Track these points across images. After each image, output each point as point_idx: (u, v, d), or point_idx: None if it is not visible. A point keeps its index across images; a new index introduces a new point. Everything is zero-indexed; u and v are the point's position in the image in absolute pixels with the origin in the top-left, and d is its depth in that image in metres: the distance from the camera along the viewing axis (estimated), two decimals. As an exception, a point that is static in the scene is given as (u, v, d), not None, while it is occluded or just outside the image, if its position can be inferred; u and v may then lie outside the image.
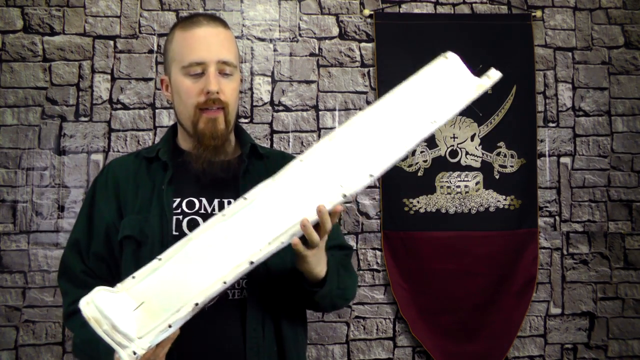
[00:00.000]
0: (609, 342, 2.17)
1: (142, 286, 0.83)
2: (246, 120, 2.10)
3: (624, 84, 2.24)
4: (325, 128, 2.14)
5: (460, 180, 2.13)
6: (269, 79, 2.13)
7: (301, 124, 2.13)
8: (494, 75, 0.98)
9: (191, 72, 1.06)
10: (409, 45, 2.14)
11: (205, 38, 1.06)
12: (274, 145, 2.11)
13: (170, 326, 0.81)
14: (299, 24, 2.16)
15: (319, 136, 2.13)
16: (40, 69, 2.05)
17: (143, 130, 2.07)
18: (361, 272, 2.11)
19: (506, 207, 2.12)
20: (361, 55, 2.17)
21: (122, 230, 1.05)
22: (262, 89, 2.13)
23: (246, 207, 0.88)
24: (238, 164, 1.14)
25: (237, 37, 2.07)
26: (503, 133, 2.15)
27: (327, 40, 2.16)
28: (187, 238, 0.87)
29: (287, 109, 2.13)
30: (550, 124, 2.20)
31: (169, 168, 1.10)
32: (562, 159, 2.20)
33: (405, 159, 2.12)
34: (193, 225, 1.05)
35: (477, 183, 2.13)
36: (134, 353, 0.78)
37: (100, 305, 0.81)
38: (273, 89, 2.13)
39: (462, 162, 2.14)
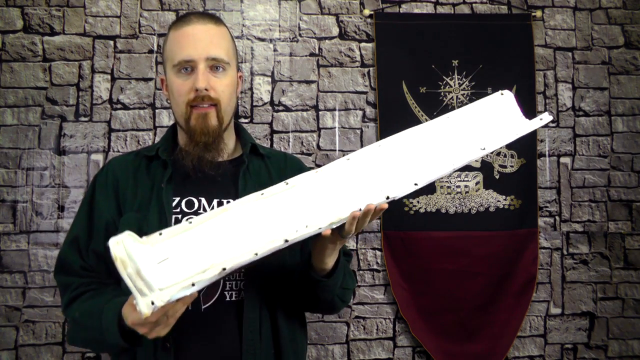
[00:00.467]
0: (609, 342, 2.17)
1: (168, 244, 0.82)
2: (246, 120, 2.10)
3: (624, 84, 2.24)
4: (325, 128, 2.14)
5: (460, 180, 2.13)
6: (269, 79, 2.13)
7: (301, 124, 2.13)
8: (545, 118, 1.00)
9: (181, 70, 1.06)
10: (409, 45, 2.14)
11: (194, 35, 1.06)
12: (274, 145, 2.11)
13: (193, 284, 0.79)
14: (299, 24, 2.16)
15: (319, 136, 2.13)
16: (40, 69, 2.05)
17: (143, 130, 2.07)
18: (361, 272, 2.11)
19: (506, 207, 2.12)
20: (361, 55, 2.17)
21: (121, 228, 1.04)
22: (262, 89, 2.13)
23: (286, 190, 0.88)
24: (238, 163, 1.14)
25: (237, 37, 2.07)
26: (503, 133, 2.15)
27: (327, 40, 2.16)
28: (222, 208, 0.86)
29: (287, 109, 2.13)
30: (550, 124, 2.20)
31: (169, 167, 1.10)
32: (562, 159, 2.20)
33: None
34: None
35: (477, 183, 2.13)
36: (152, 303, 0.76)
37: (128, 248, 0.80)
38: (273, 89, 2.13)
39: (462, 162, 2.13)
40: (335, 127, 2.14)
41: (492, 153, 2.14)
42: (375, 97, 2.14)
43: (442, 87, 2.15)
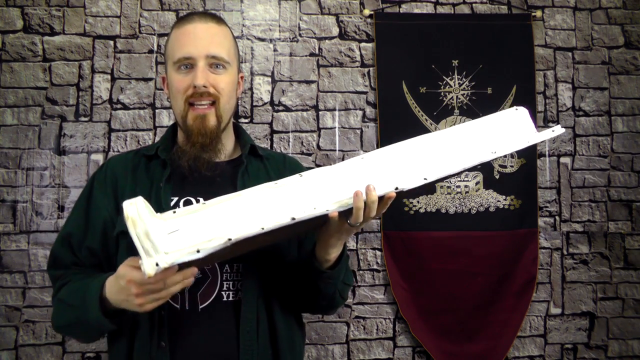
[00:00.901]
0: (609, 342, 2.17)
1: (180, 220, 0.84)
2: (246, 120, 2.10)
3: (624, 84, 2.24)
4: (325, 128, 2.14)
5: (460, 180, 2.13)
6: (269, 79, 2.13)
7: (301, 124, 2.13)
8: (557, 130, 1.03)
9: (181, 67, 1.06)
10: (409, 45, 2.14)
11: (195, 33, 1.06)
12: (274, 145, 2.11)
13: (198, 251, 0.81)
14: (299, 24, 2.16)
15: (319, 136, 2.13)
16: (40, 69, 2.05)
17: (143, 130, 2.07)
18: (361, 272, 2.11)
19: (506, 207, 2.12)
20: (361, 55, 2.17)
21: (119, 225, 1.04)
22: (262, 89, 2.13)
23: (300, 182, 0.90)
24: (237, 164, 1.14)
25: (237, 37, 2.07)
26: (503, 133, 2.15)
27: (327, 40, 2.16)
28: (236, 194, 0.88)
29: (287, 109, 2.13)
30: (551, 124, 2.20)
31: (168, 166, 1.10)
32: (562, 159, 2.20)
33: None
34: None
35: (477, 183, 2.13)
36: (157, 264, 0.78)
37: (140, 210, 0.82)
38: (273, 89, 2.13)
39: (462, 162, 2.14)
40: (335, 127, 2.14)
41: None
42: (375, 97, 2.14)
43: (442, 87, 2.15)
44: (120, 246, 1.04)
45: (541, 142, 1.04)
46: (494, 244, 2.09)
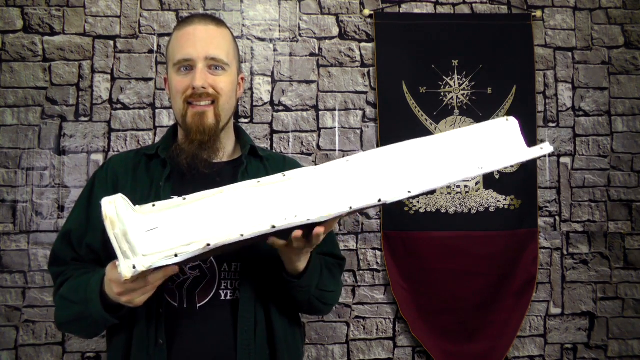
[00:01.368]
0: (609, 342, 2.17)
1: (160, 216, 0.83)
2: (246, 120, 2.10)
3: (624, 84, 2.24)
4: (325, 128, 2.14)
5: (460, 180, 2.12)
6: (269, 79, 2.13)
7: (301, 124, 2.13)
8: (546, 148, 1.00)
9: (181, 68, 1.07)
10: (409, 45, 2.14)
11: (194, 35, 1.08)
12: (274, 145, 2.11)
13: (176, 255, 0.80)
14: (299, 24, 2.16)
15: (319, 136, 2.13)
16: (40, 69, 2.05)
17: (143, 130, 2.07)
18: (361, 272, 2.11)
19: (506, 207, 2.12)
20: (361, 55, 2.17)
21: None
22: (262, 89, 2.13)
23: (282, 182, 0.89)
24: (237, 164, 1.14)
25: (237, 37, 2.07)
26: (503, 133, 2.15)
27: (327, 40, 2.16)
28: (217, 190, 0.87)
29: (287, 109, 2.13)
30: (550, 124, 2.20)
31: (168, 165, 1.11)
32: (562, 159, 2.20)
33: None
34: None
35: (477, 183, 2.13)
36: (134, 267, 0.78)
37: (119, 209, 0.81)
38: (273, 89, 2.13)
39: (462, 162, 2.14)
40: (335, 127, 2.14)
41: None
42: (375, 97, 2.14)
43: (442, 87, 2.15)
44: None
45: (529, 159, 1.01)
46: (494, 244, 2.09)
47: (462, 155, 0.96)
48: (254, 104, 2.12)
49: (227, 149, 1.16)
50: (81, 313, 0.98)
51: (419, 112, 2.13)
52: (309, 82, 2.15)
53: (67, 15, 2.07)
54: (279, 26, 2.15)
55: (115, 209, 0.81)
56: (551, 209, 2.18)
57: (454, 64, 2.16)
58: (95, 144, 2.04)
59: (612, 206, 2.20)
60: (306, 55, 2.15)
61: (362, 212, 2.11)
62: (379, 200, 0.89)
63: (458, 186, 2.12)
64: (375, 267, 2.11)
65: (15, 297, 1.97)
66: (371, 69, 2.16)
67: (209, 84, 1.06)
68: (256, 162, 1.17)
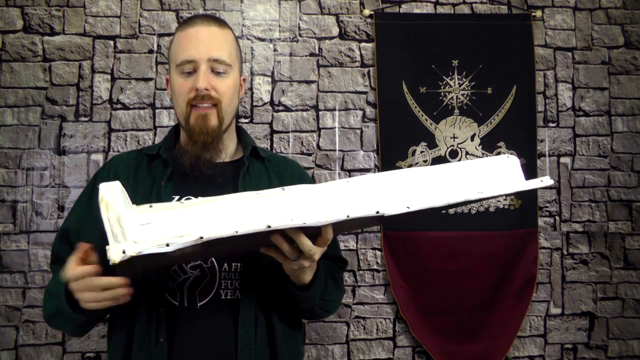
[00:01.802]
0: (609, 342, 2.17)
1: (155, 215, 0.83)
2: (246, 120, 2.10)
3: (624, 84, 2.24)
4: (325, 128, 2.14)
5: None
6: (269, 79, 2.13)
7: (301, 124, 2.13)
8: (546, 181, 1.04)
9: (184, 70, 1.08)
10: (409, 45, 2.14)
11: (197, 37, 1.08)
12: (274, 145, 2.11)
13: (168, 245, 0.79)
14: (299, 24, 2.16)
15: (319, 136, 2.13)
16: (40, 69, 2.05)
17: (143, 130, 2.07)
18: (361, 272, 2.11)
19: (506, 207, 2.12)
20: (361, 55, 2.17)
21: None
22: (262, 89, 2.13)
23: (281, 195, 0.89)
24: (239, 165, 1.15)
25: (237, 37, 2.07)
26: (503, 133, 2.15)
27: (327, 40, 2.16)
28: (216, 198, 0.87)
29: (287, 109, 2.13)
30: (550, 124, 2.20)
31: (169, 165, 1.11)
32: (562, 159, 2.20)
33: (405, 159, 2.12)
34: None
35: (477, 183, 2.13)
36: (124, 251, 0.77)
37: (117, 195, 0.81)
38: (273, 89, 2.13)
39: (462, 162, 2.14)
40: (335, 127, 2.14)
41: (492, 154, 2.14)
42: (375, 97, 2.14)
43: (442, 87, 2.15)
44: None
45: (528, 189, 1.04)
46: (494, 244, 2.09)
47: (464, 180, 0.99)
48: (254, 104, 2.12)
49: (229, 149, 1.16)
50: (58, 307, 0.99)
51: (419, 112, 2.13)
52: (309, 82, 2.15)
53: (67, 15, 2.07)
54: (279, 26, 2.15)
55: (113, 193, 0.81)
56: (551, 209, 2.18)
57: (454, 64, 2.16)
58: (95, 144, 2.04)
59: (612, 206, 2.20)
60: (306, 55, 2.15)
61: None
62: (377, 212, 0.89)
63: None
64: (375, 267, 2.11)
65: (15, 297, 1.97)
66: (371, 69, 2.16)
67: (212, 86, 1.06)
68: (258, 163, 1.18)
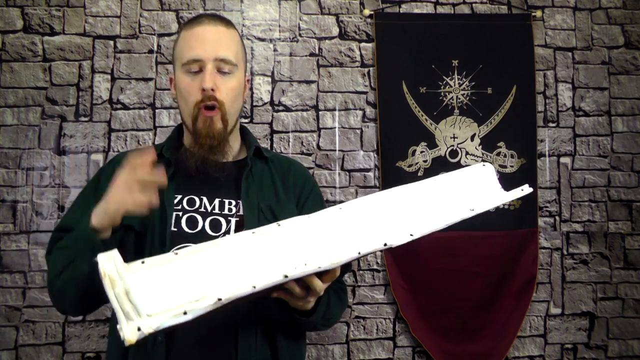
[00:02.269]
0: (609, 342, 2.17)
1: (153, 271, 0.78)
2: (246, 120, 2.10)
3: (624, 84, 2.24)
4: (325, 128, 2.14)
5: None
6: (269, 79, 2.13)
7: (301, 124, 2.13)
8: (526, 190, 1.08)
9: (190, 69, 1.07)
10: (409, 45, 2.14)
11: (204, 36, 1.08)
12: (274, 145, 2.11)
13: (185, 313, 0.74)
14: (299, 24, 2.16)
15: (319, 136, 2.13)
16: (40, 69, 2.05)
17: (143, 130, 2.07)
18: (361, 272, 2.11)
19: (506, 207, 2.12)
20: (361, 55, 2.17)
21: (125, 220, 1.05)
22: (262, 89, 2.13)
23: (278, 231, 0.87)
24: (242, 165, 1.15)
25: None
26: (503, 133, 2.15)
27: (327, 40, 2.16)
28: (210, 243, 0.83)
29: (287, 109, 2.13)
30: (550, 124, 2.20)
31: (172, 165, 1.11)
32: (562, 159, 2.20)
33: (405, 159, 2.12)
34: (192, 222, 1.06)
35: (477, 183, 2.13)
36: (139, 329, 0.72)
37: (119, 266, 0.75)
38: (273, 89, 2.13)
39: (462, 162, 2.14)
40: (335, 127, 2.14)
41: (492, 154, 2.15)
42: (375, 97, 2.14)
43: (442, 87, 2.15)
44: (125, 239, 1.04)
45: (511, 200, 1.09)
46: (494, 244, 2.09)
47: (452, 198, 1.01)
48: (254, 104, 2.12)
49: (233, 149, 1.17)
50: (69, 256, 0.96)
51: (419, 112, 2.13)
52: (309, 82, 2.15)
53: (67, 15, 2.07)
54: (279, 26, 2.15)
55: (115, 266, 0.75)
56: (551, 209, 2.18)
57: (454, 64, 2.16)
58: (95, 144, 2.04)
59: (612, 206, 2.20)
60: (306, 55, 2.15)
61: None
62: (385, 245, 0.89)
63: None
64: (375, 267, 2.11)
65: (15, 297, 1.97)
66: (371, 69, 2.16)
67: (217, 86, 1.06)
68: (261, 164, 1.18)
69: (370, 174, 2.13)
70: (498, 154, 2.15)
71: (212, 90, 1.05)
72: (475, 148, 2.14)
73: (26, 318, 1.96)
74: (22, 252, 1.98)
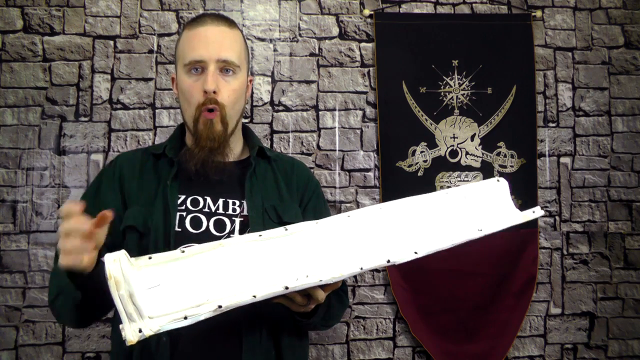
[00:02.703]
0: (609, 342, 2.17)
1: (158, 269, 0.79)
2: (246, 120, 2.10)
3: (624, 84, 2.24)
4: (325, 128, 2.14)
5: (460, 180, 2.13)
6: (269, 79, 2.13)
7: (301, 124, 2.13)
8: (537, 212, 1.05)
9: (192, 70, 1.07)
10: (409, 45, 2.14)
11: (206, 37, 1.07)
12: (274, 145, 2.11)
13: (186, 318, 0.76)
14: (299, 24, 2.16)
15: (319, 136, 2.13)
16: (40, 69, 2.05)
17: (143, 130, 2.07)
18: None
19: (506, 207, 2.12)
20: (361, 55, 2.17)
21: (125, 220, 1.05)
22: (262, 89, 2.13)
23: (285, 236, 0.87)
24: (245, 165, 1.15)
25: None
26: (503, 133, 2.15)
27: (327, 40, 2.16)
28: (217, 243, 0.84)
29: (287, 109, 2.13)
30: (550, 124, 2.20)
31: (175, 164, 1.11)
32: (562, 159, 2.20)
33: (405, 159, 2.12)
34: (196, 222, 1.06)
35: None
36: (140, 331, 0.74)
37: (125, 269, 0.77)
38: (273, 89, 2.13)
39: (462, 162, 2.14)
40: (335, 127, 2.14)
41: (492, 154, 2.15)
42: (375, 97, 2.14)
43: (442, 87, 2.15)
44: (128, 240, 1.04)
45: (522, 222, 1.05)
46: (494, 244, 2.09)
47: (461, 215, 0.99)
48: (254, 104, 2.12)
49: (235, 150, 1.16)
50: (59, 285, 0.97)
51: (419, 112, 2.13)
52: (309, 82, 2.15)
53: (67, 15, 2.07)
54: (279, 26, 2.15)
55: (121, 268, 0.76)
56: (551, 209, 2.18)
57: (454, 64, 2.16)
58: (95, 144, 2.04)
59: (612, 206, 2.20)
60: (306, 55, 2.15)
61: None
62: (388, 261, 0.89)
63: (458, 186, 2.12)
64: (375, 267, 2.11)
65: (15, 297, 1.97)
66: (371, 69, 2.16)
67: (219, 88, 1.06)
68: (264, 163, 1.18)
69: (370, 174, 2.13)
70: (498, 154, 2.15)
71: (214, 92, 1.05)
72: (475, 148, 2.14)
73: (26, 318, 1.96)
74: (22, 252, 1.98)
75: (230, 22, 1.13)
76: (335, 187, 2.11)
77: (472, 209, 1.00)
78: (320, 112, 2.14)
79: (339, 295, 1.15)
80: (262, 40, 2.14)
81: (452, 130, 2.14)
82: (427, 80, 2.14)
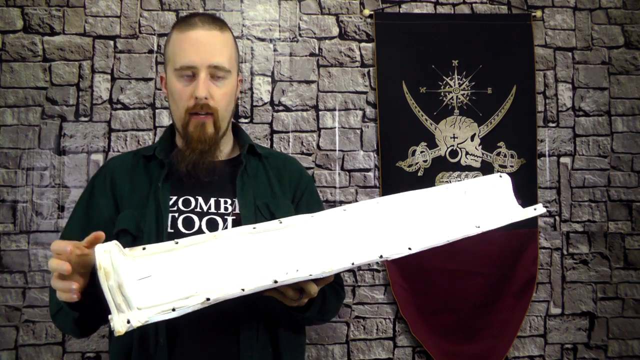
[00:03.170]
0: (609, 342, 2.17)
1: (151, 260, 0.80)
2: (246, 120, 2.10)
3: (624, 84, 2.24)
4: (325, 128, 2.14)
5: (460, 180, 2.12)
6: (269, 79, 2.13)
7: (301, 124, 2.13)
8: (539, 209, 1.02)
9: (183, 75, 1.06)
10: (409, 45, 2.14)
11: (198, 41, 1.06)
12: (274, 145, 2.11)
13: (174, 310, 0.77)
14: (299, 24, 2.16)
15: (319, 136, 2.13)
16: (40, 69, 2.04)
17: (143, 130, 2.07)
18: (361, 272, 2.11)
19: (506, 207, 2.12)
20: (361, 55, 2.17)
21: (118, 224, 1.05)
22: (262, 89, 2.13)
23: (279, 229, 0.87)
24: (236, 164, 1.15)
25: (237, 37, 2.07)
26: (503, 133, 2.15)
27: (327, 40, 2.16)
28: (211, 235, 0.85)
29: (287, 109, 2.13)
30: (550, 124, 2.20)
31: (166, 166, 1.11)
32: (562, 159, 2.20)
33: (405, 159, 2.12)
34: (188, 223, 1.06)
35: (477, 183, 2.12)
36: (128, 321, 0.74)
37: (115, 259, 0.77)
38: (273, 89, 2.13)
39: (462, 162, 2.14)
40: (335, 127, 2.14)
41: (492, 154, 2.14)
42: (375, 97, 2.14)
43: (442, 87, 2.15)
44: (120, 243, 1.04)
45: (523, 219, 1.02)
46: (494, 244, 2.09)
47: (460, 211, 0.96)
48: (254, 104, 2.12)
49: (225, 149, 1.16)
50: (58, 302, 0.97)
51: (419, 112, 2.13)
52: (309, 82, 2.15)
53: (67, 15, 2.07)
54: (279, 26, 2.15)
55: (111, 259, 0.76)
56: (551, 209, 2.18)
57: (454, 64, 2.16)
58: (95, 144, 2.04)
59: (612, 206, 2.20)
60: (306, 55, 2.15)
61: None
62: (380, 257, 0.88)
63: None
64: (375, 267, 2.11)
65: (15, 297, 1.97)
66: (371, 69, 2.16)
67: (210, 94, 1.06)
68: (255, 161, 1.17)
69: (370, 174, 2.13)
70: (498, 154, 2.15)
71: (205, 98, 1.05)
72: (475, 148, 2.14)
73: (26, 318, 1.96)
74: (22, 252, 1.98)
75: (222, 25, 1.11)
76: (335, 187, 2.11)
77: (472, 205, 0.98)
78: (320, 112, 2.14)
79: (334, 288, 1.15)
80: (262, 40, 2.14)
81: (452, 130, 2.14)
82: (427, 80, 2.14)
